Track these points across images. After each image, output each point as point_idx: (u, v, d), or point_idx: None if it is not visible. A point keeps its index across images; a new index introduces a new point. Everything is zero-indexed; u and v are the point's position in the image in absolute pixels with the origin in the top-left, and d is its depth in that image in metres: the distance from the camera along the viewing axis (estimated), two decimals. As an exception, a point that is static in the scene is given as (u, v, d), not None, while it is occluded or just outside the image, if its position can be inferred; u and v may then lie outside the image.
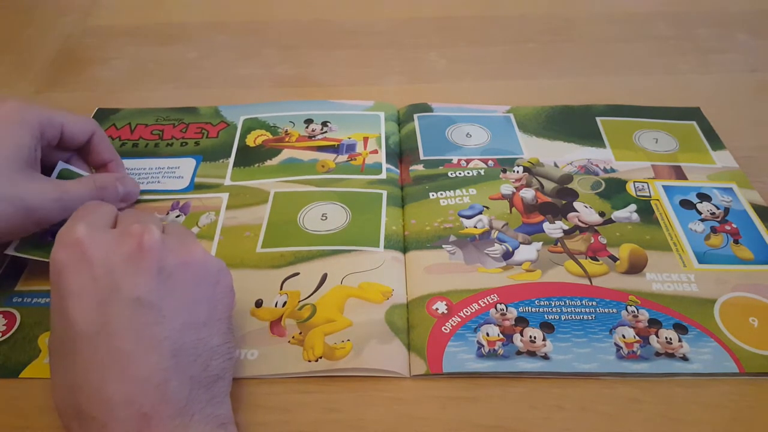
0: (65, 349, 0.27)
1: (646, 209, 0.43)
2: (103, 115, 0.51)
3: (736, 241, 0.40)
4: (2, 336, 0.35)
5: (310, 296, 0.37)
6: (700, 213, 0.42)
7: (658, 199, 0.43)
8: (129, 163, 0.46)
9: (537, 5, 0.67)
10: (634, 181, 0.45)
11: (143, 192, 0.44)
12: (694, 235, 0.41)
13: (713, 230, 0.41)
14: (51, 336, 0.28)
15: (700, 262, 0.39)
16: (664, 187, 0.44)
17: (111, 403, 0.25)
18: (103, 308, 0.26)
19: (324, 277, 0.38)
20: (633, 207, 0.43)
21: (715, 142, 0.48)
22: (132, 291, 0.27)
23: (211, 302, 0.29)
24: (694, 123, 0.50)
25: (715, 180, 0.45)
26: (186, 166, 0.46)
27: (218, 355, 0.28)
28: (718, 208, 0.43)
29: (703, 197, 0.43)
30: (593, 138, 0.49)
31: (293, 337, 0.35)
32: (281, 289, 0.37)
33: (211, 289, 0.30)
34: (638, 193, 0.44)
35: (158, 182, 0.45)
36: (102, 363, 0.26)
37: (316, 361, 0.34)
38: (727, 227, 0.41)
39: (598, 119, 0.50)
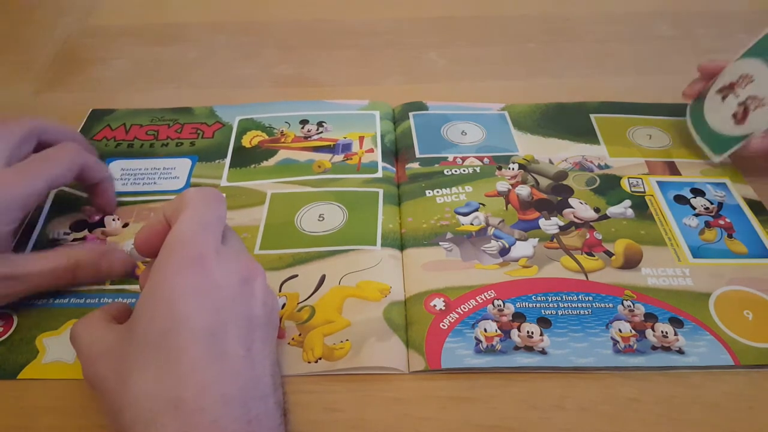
0: (162, 342, 0.27)
1: (640, 205, 0.43)
2: (97, 116, 0.51)
3: (730, 236, 0.41)
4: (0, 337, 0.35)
5: (308, 298, 0.37)
6: (694, 208, 0.43)
7: (652, 195, 0.44)
8: (124, 163, 0.47)
9: (537, 5, 0.67)
10: (629, 177, 0.45)
11: (139, 193, 0.44)
12: (689, 229, 0.41)
13: (707, 225, 0.42)
14: (137, 327, 0.28)
15: (695, 256, 0.39)
16: (658, 182, 0.45)
17: (225, 398, 0.26)
18: (219, 315, 0.28)
19: (322, 279, 0.38)
20: (627, 203, 0.43)
21: None
22: (245, 311, 0.29)
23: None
24: (689, 119, 0.50)
25: (708, 175, 0.45)
26: (182, 166, 0.46)
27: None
28: (712, 203, 0.43)
29: (697, 192, 0.44)
30: (587, 135, 0.49)
31: (293, 339, 0.35)
32: (280, 291, 0.37)
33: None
34: (632, 189, 0.44)
35: (154, 183, 0.45)
36: (214, 362, 0.27)
37: (316, 362, 0.34)
38: (721, 222, 0.42)
39: (592, 116, 0.51)
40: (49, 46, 0.61)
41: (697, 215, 0.42)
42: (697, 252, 0.40)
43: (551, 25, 0.64)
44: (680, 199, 0.43)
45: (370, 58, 0.59)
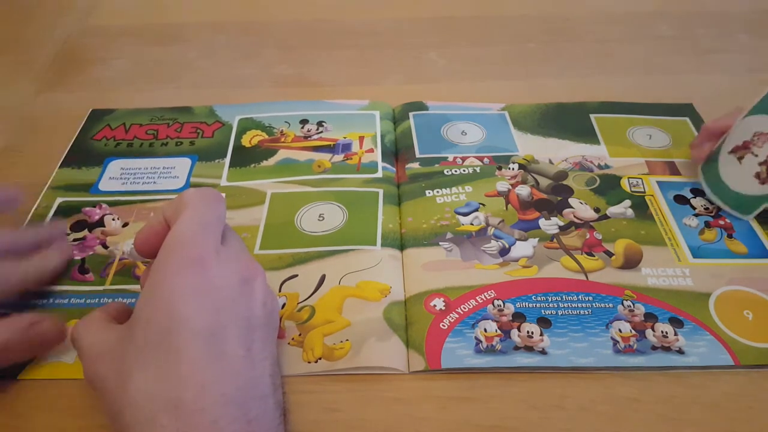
0: (161, 342, 0.27)
1: (640, 205, 0.43)
2: (97, 116, 0.51)
3: (729, 236, 0.41)
4: (0, 339, 0.35)
5: (308, 298, 0.37)
6: (694, 208, 0.43)
7: (652, 195, 0.44)
8: (124, 163, 0.47)
9: (537, 5, 0.67)
10: (629, 177, 0.45)
11: (138, 193, 0.44)
12: (688, 229, 0.41)
13: (707, 225, 0.42)
14: (137, 327, 0.27)
15: (695, 256, 0.39)
16: (658, 182, 0.45)
17: (225, 399, 0.26)
18: (219, 315, 0.28)
19: (322, 279, 0.38)
20: (627, 203, 0.43)
21: None
22: (245, 311, 0.29)
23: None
24: (687, 119, 0.50)
25: None
26: (181, 166, 0.46)
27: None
28: (712, 203, 0.43)
29: (697, 192, 0.44)
30: (587, 135, 0.49)
31: (293, 339, 0.35)
32: (280, 291, 0.37)
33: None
34: (632, 189, 0.44)
35: (154, 183, 0.45)
36: (213, 362, 0.27)
37: (316, 362, 0.34)
38: (721, 222, 0.42)
39: (592, 116, 0.51)
40: (49, 46, 0.61)
41: (696, 215, 0.42)
42: (697, 252, 0.40)
43: (551, 25, 0.64)
44: (680, 199, 0.43)
45: (370, 58, 0.59)
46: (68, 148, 0.48)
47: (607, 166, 0.46)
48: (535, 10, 0.66)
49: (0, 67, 0.58)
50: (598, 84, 0.55)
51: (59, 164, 0.47)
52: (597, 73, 0.57)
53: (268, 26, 0.64)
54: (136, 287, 0.38)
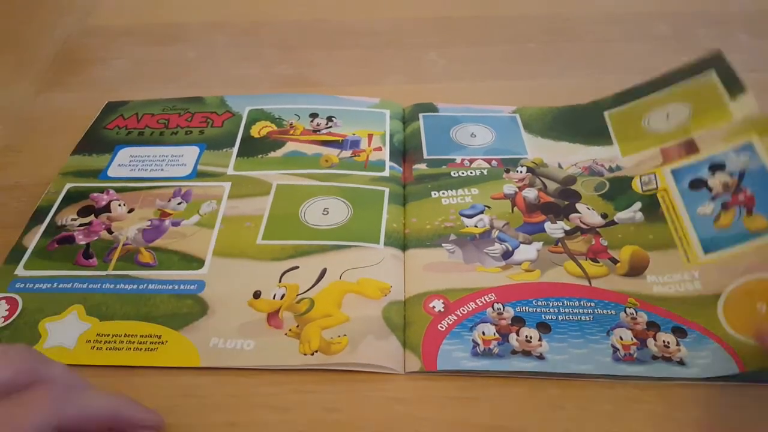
0: None
1: (651, 205, 0.42)
2: (111, 108, 0.52)
3: (749, 212, 0.38)
4: (4, 321, 0.36)
5: (308, 290, 0.37)
6: (711, 190, 0.40)
7: (665, 190, 0.42)
8: (133, 151, 0.47)
9: (537, 5, 0.66)
10: (641, 176, 0.44)
11: (145, 179, 0.44)
12: (702, 220, 0.39)
13: (724, 207, 0.39)
14: None
15: (707, 251, 0.38)
16: (672, 171, 0.43)
17: None
18: None
19: (323, 272, 0.38)
20: (637, 205, 0.42)
21: (735, 87, 0.43)
22: None
23: None
24: (713, 72, 0.46)
25: (731, 138, 0.42)
26: (189, 154, 0.47)
27: None
28: (732, 176, 0.40)
29: (716, 168, 0.41)
30: (600, 136, 0.48)
31: (290, 330, 0.35)
32: (280, 281, 0.37)
33: None
34: (644, 188, 0.43)
35: (161, 170, 0.45)
36: None
37: (312, 354, 0.34)
38: (740, 197, 0.39)
39: (606, 113, 0.49)
40: (49, 46, 0.61)
41: (713, 198, 0.40)
42: (709, 245, 0.38)
43: (551, 25, 0.63)
44: (696, 185, 0.41)
45: (370, 58, 0.59)
46: (81, 138, 0.48)
47: (618, 168, 0.45)
48: (535, 10, 0.65)
49: (0, 67, 0.59)
50: (599, 84, 0.54)
51: (71, 153, 0.47)
52: (597, 73, 0.56)
53: (268, 26, 0.63)
54: (137, 273, 0.38)
